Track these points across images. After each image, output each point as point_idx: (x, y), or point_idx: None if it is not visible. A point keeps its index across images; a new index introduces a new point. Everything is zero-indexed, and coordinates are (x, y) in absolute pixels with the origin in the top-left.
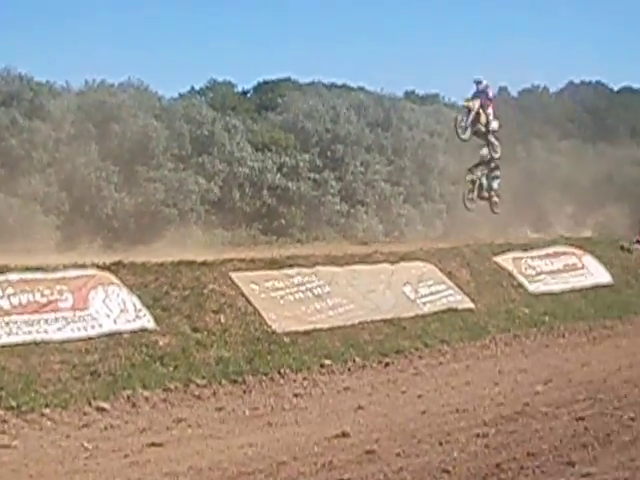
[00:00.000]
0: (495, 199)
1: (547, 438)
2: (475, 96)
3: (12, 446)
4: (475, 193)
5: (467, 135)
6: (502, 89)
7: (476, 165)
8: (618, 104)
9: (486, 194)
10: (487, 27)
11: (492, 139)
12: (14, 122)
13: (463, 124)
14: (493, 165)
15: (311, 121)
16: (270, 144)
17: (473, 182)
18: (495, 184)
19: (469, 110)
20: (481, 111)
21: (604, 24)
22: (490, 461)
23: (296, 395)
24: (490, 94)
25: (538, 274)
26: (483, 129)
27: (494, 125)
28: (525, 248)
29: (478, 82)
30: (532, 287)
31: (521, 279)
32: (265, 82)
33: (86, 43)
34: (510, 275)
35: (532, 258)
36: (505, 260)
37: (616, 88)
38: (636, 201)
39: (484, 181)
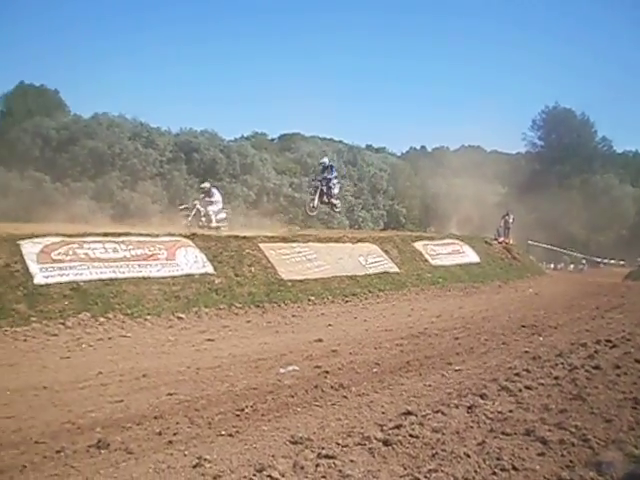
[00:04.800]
0: (334, 201)
1: (437, 348)
2: (321, 176)
3: (127, 336)
4: (317, 199)
5: (315, 212)
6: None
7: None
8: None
9: (327, 199)
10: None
11: (334, 201)
12: (137, 149)
13: (311, 204)
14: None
15: (310, 158)
16: (286, 170)
17: (315, 189)
18: (335, 190)
19: (316, 189)
20: (324, 188)
21: None
22: (403, 359)
23: (293, 316)
24: (333, 169)
25: (437, 254)
26: (327, 200)
27: (335, 191)
28: (430, 238)
29: (323, 164)
30: (433, 262)
31: (427, 257)
32: (285, 134)
33: (180, 102)
34: (421, 254)
35: (434, 245)
36: (419, 245)
37: None
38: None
39: (324, 188)
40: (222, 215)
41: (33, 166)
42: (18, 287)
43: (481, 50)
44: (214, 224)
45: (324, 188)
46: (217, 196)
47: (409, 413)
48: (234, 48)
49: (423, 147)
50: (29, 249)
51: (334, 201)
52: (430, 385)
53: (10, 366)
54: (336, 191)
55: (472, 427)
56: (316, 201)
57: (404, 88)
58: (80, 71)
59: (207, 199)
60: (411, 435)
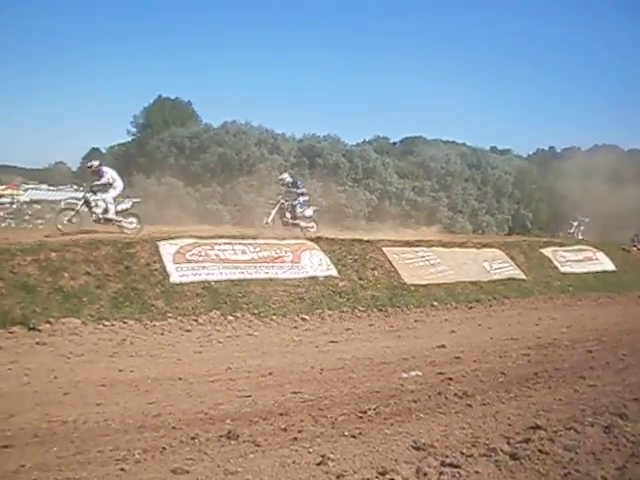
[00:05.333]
0: (302, 223)
1: (567, 360)
2: (286, 193)
3: (254, 335)
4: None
5: (268, 226)
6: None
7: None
8: None
9: (290, 218)
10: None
11: (301, 223)
12: (262, 155)
13: (265, 220)
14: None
15: (433, 162)
16: (408, 174)
17: (275, 204)
18: (306, 212)
19: (276, 204)
20: (286, 204)
21: None
22: (531, 370)
23: (416, 320)
24: (299, 185)
25: (567, 261)
26: (290, 219)
27: (303, 211)
28: (560, 244)
29: (282, 181)
30: (563, 269)
31: (556, 263)
32: (407, 138)
33: (303, 108)
34: (549, 260)
35: (564, 251)
36: (547, 251)
37: None
38: None
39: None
40: (309, 212)
41: (168, 172)
42: (157, 285)
43: (616, 41)
44: (300, 222)
45: (286, 205)
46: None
47: (538, 427)
48: (355, 55)
49: (552, 148)
50: (167, 250)
51: (301, 223)
52: (561, 399)
53: (150, 357)
54: (306, 212)
55: (610, 449)
56: (271, 217)
57: (530, 87)
58: (210, 83)
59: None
60: (540, 451)
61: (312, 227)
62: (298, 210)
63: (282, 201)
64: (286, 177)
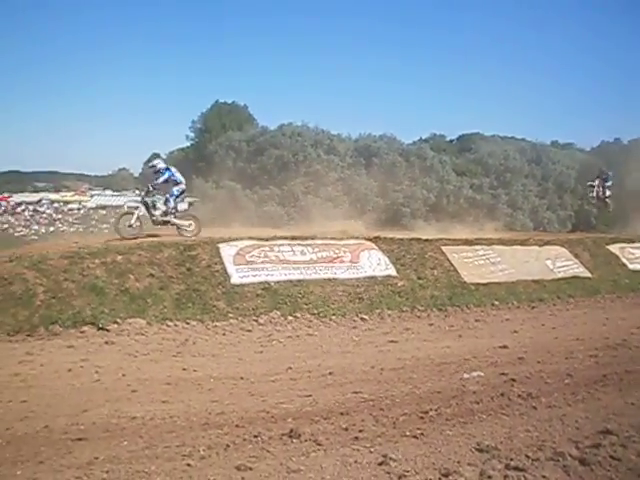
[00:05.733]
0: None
1: (638, 362)
2: (153, 184)
3: (314, 334)
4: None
5: (132, 234)
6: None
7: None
8: None
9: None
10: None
11: (174, 220)
12: (319, 155)
13: (128, 223)
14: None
15: (491, 158)
16: (466, 172)
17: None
18: (180, 205)
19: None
20: (149, 200)
21: None
22: (599, 372)
23: (477, 320)
24: (167, 172)
25: (636, 258)
26: (159, 217)
27: (182, 206)
28: (629, 241)
29: (153, 167)
30: (632, 266)
31: (624, 260)
32: (463, 135)
33: (360, 108)
34: (617, 257)
35: (633, 247)
36: (614, 248)
37: None
38: None
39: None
40: (183, 205)
41: (227, 176)
42: (218, 286)
43: None
44: (172, 220)
45: (152, 199)
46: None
47: (609, 432)
48: (408, 53)
49: (617, 139)
50: (227, 251)
51: (173, 220)
52: (633, 403)
53: (213, 356)
54: (180, 206)
55: None
56: (134, 218)
57: (590, 75)
58: (267, 87)
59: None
60: (612, 457)
61: (189, 226)
62: (170, 204)
63: (146, 197)
64: (158, 163)
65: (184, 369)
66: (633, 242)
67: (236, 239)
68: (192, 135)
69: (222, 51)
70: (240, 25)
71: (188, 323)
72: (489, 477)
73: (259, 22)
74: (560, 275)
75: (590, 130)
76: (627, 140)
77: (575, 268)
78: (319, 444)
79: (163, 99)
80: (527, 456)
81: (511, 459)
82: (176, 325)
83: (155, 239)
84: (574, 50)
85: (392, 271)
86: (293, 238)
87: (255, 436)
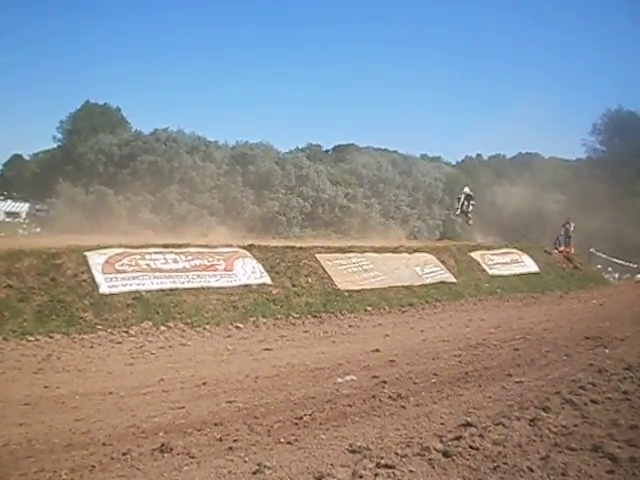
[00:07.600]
0: None
1: (496, 359)
2: None
3: (187, 345)
4: None
5: None
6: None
7: None
8: None
9: None
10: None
11: None
12: (195, 162)
13: None
14: None
15: (365, 169)
16: (341, 182)
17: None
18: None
19: None
20: None
21: None
22: (462, 370)
23: (350, 326)
24: None
25: (495, 264)
26: None
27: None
28: (488, 248)
29: None
30: (491, 271)
31: (484, 266)
32: (339, 145)
33: (237, 116)
34: (478, 264)
35: (492, 254)
36: (476, 254)
37: None
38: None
39: None
40: None
41: (97, 181)
42: (85, 296)
43: (537, 54)
44: None
45: None
46: None
47: (469, 424)
48: (286, 63)
49: (479, 155)
50: (95, 260)
51: None
52: (490, 397)
53: (79, 371)
54: None
55: (535, 441)
56: None
57: (458, 97)
58: (142, 89)
59: None
60: (471, 447)
61: None
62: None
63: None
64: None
65: (46, 387)
66: (491, 249)
67: (105, 247)
68: (60, 136)
69: (93, 50)
70: (115, 24)
71: (52, 337)
72: (360, 477)
73: (133, 21)
74: (428, 281)
75: (456, 145)
76: (487, 156)
77: (442, 274)
78: (192, 457)
79: (26, 96)
80: (396, 453)
81: (382, 457)
82: (37, 340)
83: (13, 247)
84: (444, 67)
85: (267, 279)
86: (165, 246)
87: (124, 454)
